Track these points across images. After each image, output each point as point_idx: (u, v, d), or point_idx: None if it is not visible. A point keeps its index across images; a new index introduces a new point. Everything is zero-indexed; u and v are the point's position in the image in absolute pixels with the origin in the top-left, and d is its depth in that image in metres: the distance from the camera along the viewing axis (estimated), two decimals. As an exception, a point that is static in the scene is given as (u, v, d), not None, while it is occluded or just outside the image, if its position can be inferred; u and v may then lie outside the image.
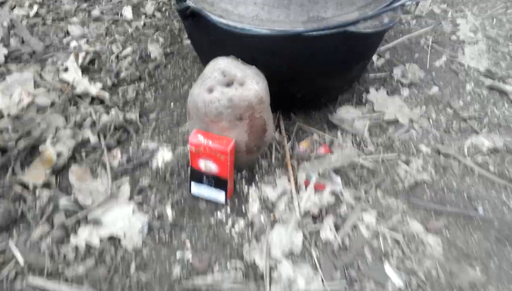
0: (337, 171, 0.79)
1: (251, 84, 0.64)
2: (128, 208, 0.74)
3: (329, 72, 0.74)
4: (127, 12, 1.27)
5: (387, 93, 0.92)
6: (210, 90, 0.66)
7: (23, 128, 0.86)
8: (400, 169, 0.79)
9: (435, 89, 0.94)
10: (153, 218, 0.73)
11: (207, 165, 0.71)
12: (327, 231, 0.68)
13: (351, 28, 0.61)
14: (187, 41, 1.14)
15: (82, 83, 0.96)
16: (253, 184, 0.78)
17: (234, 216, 0.73)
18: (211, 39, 0.71)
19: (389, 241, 0.66)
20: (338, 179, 0.77)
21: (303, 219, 0.70)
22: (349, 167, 0.79)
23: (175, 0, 0.71)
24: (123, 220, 0.72)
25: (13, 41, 1.16)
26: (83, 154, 0.83)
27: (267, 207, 0.74)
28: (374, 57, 1.01)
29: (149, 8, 1.28)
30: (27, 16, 1.26)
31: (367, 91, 0.92)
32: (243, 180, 0.79)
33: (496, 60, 0.99)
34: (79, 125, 0.88)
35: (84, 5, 1.31)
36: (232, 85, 0.65)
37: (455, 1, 1.22)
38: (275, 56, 0.68)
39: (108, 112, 0.91)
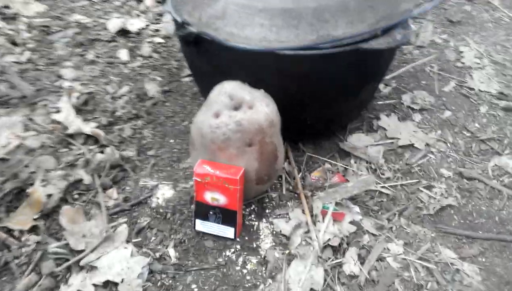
0: (354, 201, 0.78)
1: (261, 107, 0.66)
2: (126, 251, 0.71)
3: (340, 93, 0.76)
4: (123, 54, 1.32)
5: (399, 119, 0.94)
6: (217, 115, 0.67)
7: (10, 171, 0.85)
8: (422, 194, 0.78)
9: (448, 113, 0.96)
10: (154, 260, 0.70)
11: (214, 197, 0.70)
12: (351, 264, 0.65)
13: (364, 45, 0.64)
14: (186, 79, 1.17)
15: (75, 123, 0.97)
16: (264, 218, 0.76)
17: (245, 254, 0.70)
18: (215, 66, 0.73)
19: (421, 272, 0.64)
20: (356, 208, 0.75)
21: (322, 252, 0.68)
22: (366, 195, 0.78)
23: (176, 27, 0.75)
24: (121, 264, 0.69)
25: (2, 87, 1.19)
26: (76, 196, 0.82)
27: (281, 242, 0.72)
28: (381, 86, 1.05)
29: (146, 50, 1.34)
30: (18, 62, 1.31)
31: (378, 118, 0.94)
32: (253, 214, 0.77)
33: (506, 83, 1.03)
34: (71, 166, 0.87)
35: (78, 49, 1.36)
36: (241, 109, 0.67)
37: (455, 31, 1.29)
38: (284, 78, 0.70)
39: (102, 151, 0.91)
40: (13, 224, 0.75)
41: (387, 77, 1.10)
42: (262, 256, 0.70)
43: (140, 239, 0.74)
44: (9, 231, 0.74)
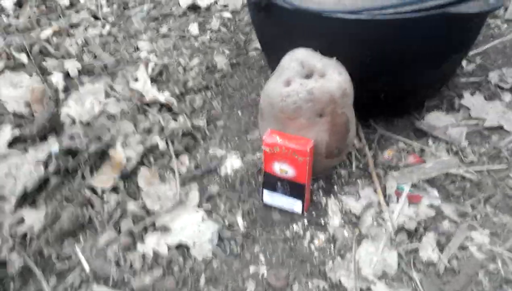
0: (432, 183, 0.69)
1: (333, 75, 0.59)
2: (197, 215, 0.69)
3: (420, 65, 0.66)
4: (193, 28, 1.30)
5: (485, 98, 0.81)
6: (288, 83, 0.61)
7: (94, 134, 0.87)
8: (512, 182, 0.67)
9: (543, 92, 0.82)
10: (223, 228, 0.68)
11: (282, 169, 0.65)
12: (428, 251, 0.58)
13: (452, 9, 0.54)
14: (253, 52, 1.12)
15: (151, 92, 0.97)
16: (332, 195, 0.70)
17: (312, 229, 0.66)
18: (286, 33, 0.67)
19: (510, 265, 0.55)
20: (435, 192, 0.67)
21: (396, 235, 0.61)
22: (447, 179, 0.69)
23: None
24: (192, 228, 0.67)
25: (86, 57, 1.23)
26: (152, 160, 0.82)
27: (351, 220, 0.66)
28: (464, 62, 0.92)
29: (215, 24, 1.30)
30: (100, 35, 1.34)
31: (460, 96, 0.82)
32: (320, 190, 0.72)
33: None
34: (147, 132, 0.88)
35: (153, 24, 1.36)
36: (312, 77, 0.60)
37: (553, 2, 1.09)
38: (361, 46, 0.62)
39: (176, 119, 0.90)
40: (97, 183, 0.77)
41: (471, 53, 0.96)
42: (331, 234, 0.65)
43: (210, 205, 0.72)
44: (93, 190, 0.76)
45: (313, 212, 0.69)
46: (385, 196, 0.67)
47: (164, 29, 1.33)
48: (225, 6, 1.43)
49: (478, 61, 0.93)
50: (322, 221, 0.67)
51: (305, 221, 0.68)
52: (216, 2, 1.45)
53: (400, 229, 0.62)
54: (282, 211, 0.70)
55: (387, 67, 0.67)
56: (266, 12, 0.67)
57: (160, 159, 0.82)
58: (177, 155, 0.83)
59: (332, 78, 0.60)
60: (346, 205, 0.68)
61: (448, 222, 0.63)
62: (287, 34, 0.68)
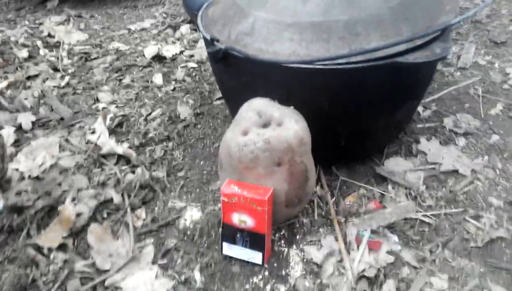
0: (392, 229, 0.73)
1: (290, 124, 0.65)
2: (150, 273, 0.70)
3: (375, 112, 0.74)
4: (158, 78, 1.37)
5: (440, 143, 0.90)
6: (245, 132, 0.66)
7: (43, 189, 0.88)
8: (469, 225, 0.73)
9: (495, 137, 0.91)
10: (179, 284, 0.69)
11: (241, 219, 0.69)
12: (389, 298, 0.61)
13: (400, 59, 0.63)
14: (217, 102, 1.19)
15: (108, 144, 1.00)
16: (294, 245, 0.73)
17: (273, 281, 0.68)
18: (244, 82, 0.74)
19: (469, 311, 0.58)
20: (395, 238, 0.71)
21: (357, 284, 0.64)
22: (406, 224, 0.74)
23: (205, 44, 0.77)
24: (145, 286, 0.68)
25: (42, 110, 1.26)
26: (105, 215, 0.83)
27: (312, 270, 0.69)
28: (420, 108, 1.02)
29: (179, 74, 1.38)
30: (58, 87, 1.39)
31: (417, 142, 0.90)
32: (282, 240, 0.75)
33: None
34: (102, 185, 0.89)
35: (115, 74, 1.43)
36: (269, 126, 0.66)
37: (500, 53, 1.25)
38: (315, 94, 0.69)
39: (133, 172, 0.93)
40: (43, 241, 0.77)
41: (427, 100, 1.06)
42: (292, 285, 0.67)
43: (166, 261, 0.73)
44: (38, 248, 0.76)
45: (274, 263, 0.71)
46: (345, 244, 0.71)
47: (127, 80, 1.39)
48: (191, 56, 1.53)
49: (433, 107, 1.03)
50: (283, 272, 0.70)
51: (266, 273, 0.70)
52: (181, 53, 1.55)
53: (361, 277, 0.65)
54: (242, 263, 0.72)
55: (344, 115, 0.75)
56: (223, 62, 0.74)
57: (114, 213, 0.84)
58: (133, 209, 0.85)
59: (289, 127, 0.65)
60: (308, 254, 0.71)
61: (407, 268, 0.66)
62: (246, 83, 0.75)
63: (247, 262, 0.71)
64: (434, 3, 0.74)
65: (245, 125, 0.67)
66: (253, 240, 0.70)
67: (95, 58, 1.55)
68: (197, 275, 0.71)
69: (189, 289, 0.68)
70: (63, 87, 1.37)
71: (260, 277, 0.69)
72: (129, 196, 0.87)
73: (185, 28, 1.74)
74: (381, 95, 0.70)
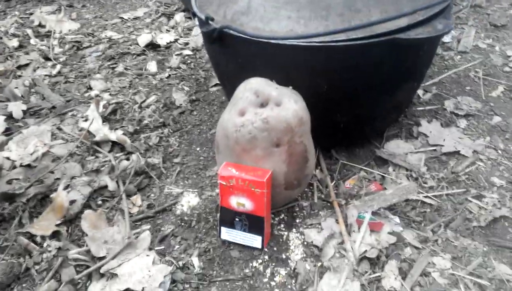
0: (393, 211, 0.73)
1: (289, 103, 0.64)
2: (147, 259, 0.69)
3: (375, 92, 0.73)
4: (152, 66, 1.36)
5: (441, 125, 0.89)
6: (242, 113, 0.65)
7: (35, 177, 0.87)
8: (471, 205, 0.72)
9: (497, 119, 0.91)
10: (177, 269, 0.68)
11: (240, 202, 0.68)
12: (391, 279, 0.60)
13: (401, 36, 0.62)
14: (213, 88, 1.18)
15: (102, 131, 0.99)
16: (294, 229, 0.73)
17: (273, 265, 0.67)
18: (239, 63, 0.73)
19: (472, 289, 0.58)
20: (396, 219, 0.71)
21: (359, 265, 0.63)
22: (407, 205, 0.74)
23: (200, 25, 0.75)
24: (142, 272, 0.67)
25: (33, 99, 1.25)
26: (99, 202, 0.82)
27: (313, 253, 0.68)
28: (420, 92, 1.01)
29: (174, 62, 1.37)
30: (50, 75, 1.37)
31: (418, 124, 0.90)
32: (282, 224, 0.74)
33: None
34: (96, 172, 0.88)
35: (108, 63, 1.41)
36: (267, 106, 0.65)
37: (500, 36, 1.24)
38: (314, 74, 0.68)
39: (128, 159, 0.92)
40: (36, 230, 0.76)
41: (427, 83, 1.06)
42: (292, 268, 0.67)
43: (163, 246, 0.73)
44: (31, 237, 0.75)
45: (274, 247, 0.71)
46: (346, 226, 0.70)
47: (120, 68, 1.38)
48: (185, 44, 1.51)
49: (434, 91, 1.02)
50: (283, 256, 0.69)
51: (266, 256, 0.69)
52: (176, 41, 1.53)
53: (362, 258, 0.64)
54: (241, 248, 0.71)
55: (344, 95, 0.73)
56: (219, 43, 0.73)
57: (109, 200, 0.83)
58: (129, 195, 0.84)
59: (288, 106, 0.64)
60: (308, 237, 0.70)
61: (409, 249, 0.66)
62: (242, 64, 0.73)
63: (246, 246, 0.71)
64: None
65: (242, 106, 0.66)
66: (252, 223, 0.69)
67: (87, 47, 1.53)
68: (195, 260, 0.70)
69: (187, 274, 0.68)
70: (55, 76, 1.35)
71: (260, 261, 0.68)
72: (124, 183, 0.85)
73: (179, 17, 1.72)
74: (381, 74, 0.69)
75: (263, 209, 0.67)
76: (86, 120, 1.07)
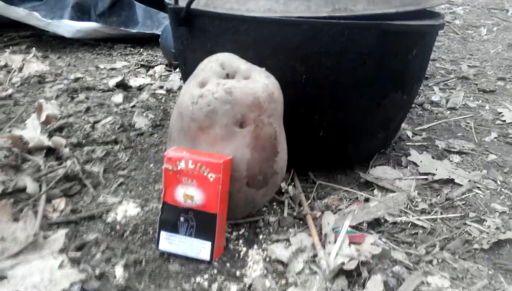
0: (379, 232, 0.64)
1: (259, 77, 0.59)
2: (53, 262, 0.56)
3: (359, 92, 0.69)
4: (117, 98, 1.32)
5: (433, 157, 0.84)
6: (203, 84, 0.60)
7: None
8: (471, 228, 0.64)
9: (493, 156, 0.87)
10: (91, 278, 0.54)
11: (188, 194, 0.58)
12: (375, 295, 0.49)
13: (388, 22, 0.60)
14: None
15: (37, 138, 0.90)
16: (255, 245, 0.62)
17: (222, 279, 0.55)
18: (208, 48, 0.69)
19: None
20: (382, 239, 0.61)
21: (333, 281, 0.52)
22: (395, 227, 0.65)
23: (168, 11, 0.73)
24: (41, 275, 0.54)
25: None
26: (10, 201, 0.70)
27: (276, 269, 0.57)
28: (410, 133, 0.98)
29: (144, 96, 1.34)
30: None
31: (407, 155, 0.84)
32: (241, 239, 0.63)
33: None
34: (15, 170, 0.77)
35: (69, 93, 1.37)
36: (234, 78, 0.60)
37: (490, 98, 1.28)
38: (292, 58, 0.65)
39: (61, 164, 0.82)
40: None
41: (417, 129, 1.04)
42: (247, 285, 0.54)
43: (79, 254, 0.60)
44: None
45: (227, 262, 0.59)
46: (321, 240, 0.60)
47: (80, 97, 1.33)
48: (160, 87, 1.50)
49: (424, 135, 1.00)
50: (238, 272, 0.57)
51: (214, 270, 0.57)
52: (150, 84, 1.51)
53: (339, 272, 0.53)
54: (184, 261, 0.59)
55: (324, 90, 0.68)
56: (187, 25, 0.70)
57: (24, 201, 0.71)
58: (50, 199, 0.72)
59: (258, 79, 0.59)
60: (271, 253, 0.59)
61: (399, 267, 0.55)
62: (211, 49, 0.69)
63: (191, 258, 0.59)
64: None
65: (203, 76, 0.61)
66: (201, 223, 0.58)
67: (50, 81, 1.50)
68: (118, 270, 0.57)
69: (103, 285, 0.54)
70: (4, 98, 1.30)
71: (206, 276, 0.56)
72: (50, 187, 0.74)
73: (159, 68, 1.73)
74: (366, 71, 0.67)
75: (216, 203, 0.57)
76: (23, 129, 0.98)
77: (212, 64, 0.61)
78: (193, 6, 0.71)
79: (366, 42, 0.65)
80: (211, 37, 0.70)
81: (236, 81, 0.59)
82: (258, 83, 0.59)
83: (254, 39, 0.66)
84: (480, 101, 1.26)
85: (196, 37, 0.71)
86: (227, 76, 0.61)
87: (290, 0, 0.65)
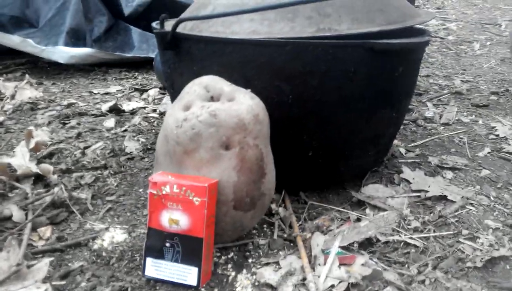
0: (370, 252, 0.63)
1: (244, 99, 0.60)
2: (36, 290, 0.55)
3: (347, 110, 0.69)
4: (109, 123, 1.32)
5: (425, 174, 0.84)
6: (187, 107, 0.60)
7: None
8: (464, 246, 0.63)
9: (486, 172, 0.87)
10: (74, 307, 0.54)
11: (173, 218, 0.58)
12: (365, 318, 0.48)
13: (372, 41, 0.61)
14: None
15: (26, 165, 0.90)
16: (245, 269, 0.61)
17: (208, 305, 0.54)
18: (194, 71, 0.70)
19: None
20: (374, 259, 0.60)
21: (323, 304, 0.51)
22: (387, 246, 0.64)
23: (156, 35, 0.74)
24: (24, 306, 0.53)
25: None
26: (-4, 231, 0.70)
27: (265, 294, 0.56)
28: (403, 150, 0.98)
29: (136, 120, 1.34)
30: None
31: (399, 173, 0.84)
32: (230, 264, 0.62)
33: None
34: (1, 197, 0.77)
35: (61, 119, 1.38)
36: (219, 101, 0.60)
37: (483, 113, 1.28)
38: (278, 78, 0.65)
39: (49, 191, 0.82)
40: None
41: (409, 145, 1.04)
42: (234, 310, 0.53)
43: (64, 282, 0.59)
44: None
45: (215, 288, 0.58)
46: (310, 262, 0.59)
47: (72, 123, 1.34)
48: (153, 110, 1.51)
49: (417, 151, 1.00)
50: (225, 297, 0.56)
51: (201, 296, 0.56)
52: (144, 108, 1.52)
53: (329, 295, 0.52)
54: (170, 288, 0.58)
55: (311, 109, 0.69)
56: (173, 49, 0.71)
57: (8, 230, 0.70)
58: (36, 228, 0.72)
59: (242, 101, 0.60)
60: (261, 277, 0.58)
61: (390, 288, 0.54)
62: (198, 72, 0.70)
63: (178, 284, 0.58)
64: (409, 7, 0.77)
65: (187, 99, 0.61)
66: (187, 248, 0.57)
67: (42, 108, 1.51)
68: (104, 298, 0.56)
69: (88, 313, 0.53)
70: (-4, 125, 1.30)
71: (192, 301, 0.55)
72: (36, 215, 0.74)
73: (153, 91, 1.74)
74: (353, 89, 0.67)
75: (202, 227, 0.57)
76: (13, 157, 0.98)
77: (196, 87, 0.62)
78: (179, 30, 0.72)
79: (351, 61, 0.65)
80: (197, 60, 0.71)
81: (220, 104, 0.60)
82: (243, 105, 0.59)
83: (240, 61, 0.67)
84: (473, 116, 1.26)
85: (182, 60, 0.72)
86: (212, 98, 0.61)
87: (275, 21, 0.66)
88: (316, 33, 0.64)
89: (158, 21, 0.72)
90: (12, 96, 1.55)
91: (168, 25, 0.77)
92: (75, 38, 1.93)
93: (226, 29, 0.68)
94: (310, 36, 0.63)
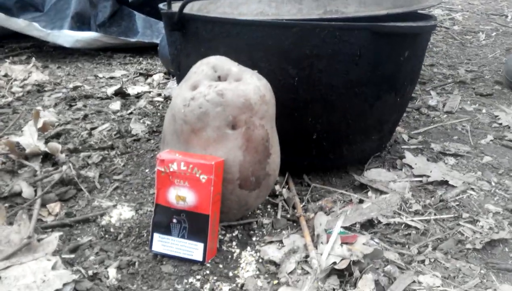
0: (372, 233, 0.64)
1: (251, 79, 0.60)
2: (47, 263, 0.57)
3: (352, 94, 0.70)
4: (115, 105, 1.33)
5: (428, 160, 0.85)
6: (194, 87, 0.61)
7: None
8: (464, 229, 0.64)
9: (488, 158, 0.87)
10: (83, 278, 0.55)
11: (180, 195, 0.59)
12: (366, 294, 0.49)
13: (379, 24, 0.62)
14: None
15: (34, 144, 0.91)
16: (249, 247, 0.63)
17: (214, 280, 0.55)
18: (201, 52, 0.71)
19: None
20: (375, 240, 0.62)
21: (325, 280, 0.52)
22: (388, 228, 0.65)
23: (163, 16, 0.75)
24: (34, 276, 0.54)
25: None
26: (5, 205, 0.71)
27: (268, 270, 0.57)
28: (405, 137, 0.99)
29: (141, 103, 1.35)
30: (-1, 106, 1.32)
31: (402, 158, 0.85)
32: (234, 241, 0.64)
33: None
34: (11, 174, 0.79)
35: (68, 101, 1.39)
36: (226, 81, 0.61)
37: (487, 102, 1.28)
38: (284, 60, 0.66)
39: (57, 169, 0.83)
40: None
41: (413, 132, 1.04)
42: (239, 285, 0.55)
43: (73, 256, 0.60)
44: None
45: (220, 264, 0.60)
46: (313, 239, 0.60)
47: (78, 105, 1.35)
48: (158, 94, 1.52)
49: (420, 138, 1.00)
50: (230, 273, 0.57)
51: (207, 271, 0.57)
52: (149, 92, 1.53)
53: (331, 272, 0.53)
54: (177, 262, 0.59)
55: (316, 92, 0.69)
56: (180, 30, 0.71)
57: (19, 205, 0.72)
58: (45, 204, 0.73)
59: (249, 81, 0.60)
60: (264, 254, 0.59)
61: (391, 267, 0.56)
62: (205, 53, 0.70)
63: (184, 260, 0.59)
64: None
65: (195, 79, 0.62)
66: (194, 225, 0.59)
67: (49, 90, 1.52)
68: (111, 272, 0.58)
69: (96, 285, 0.55)
70: (3, 106, 1.31)
71: (199, 277, 0.56)
72: (45, 191, 0.75)
73: (158, 76, 1.74)
74: (357, 73, 0.68)
75: (208, 204, 0.58)
76: (21, 136, 0.99)
77: (204, 67, 0.62)
78: (186, 11, 0.73)
79: (357, 44, 0.66)
80: (204, 41, 0.71)
81: (227, 84, 0.60)
82: (250, 85, 0.60)
83: (247, 43, 0.67)
84: (477, 105, 1.26)
85: (189, 41, 0.72)
86: (219, 78, 0.62)
87: (282, 3, 0.66)
88: (323, 15, 0.64)
89: (165, 2, 0.73)
90: (19, 79, 1.55)
91: (176, 6, 0.77)
92: (80, 22, 1.93)
93: (234, 10, 0.68)
94: (317, 17, 0.64)
